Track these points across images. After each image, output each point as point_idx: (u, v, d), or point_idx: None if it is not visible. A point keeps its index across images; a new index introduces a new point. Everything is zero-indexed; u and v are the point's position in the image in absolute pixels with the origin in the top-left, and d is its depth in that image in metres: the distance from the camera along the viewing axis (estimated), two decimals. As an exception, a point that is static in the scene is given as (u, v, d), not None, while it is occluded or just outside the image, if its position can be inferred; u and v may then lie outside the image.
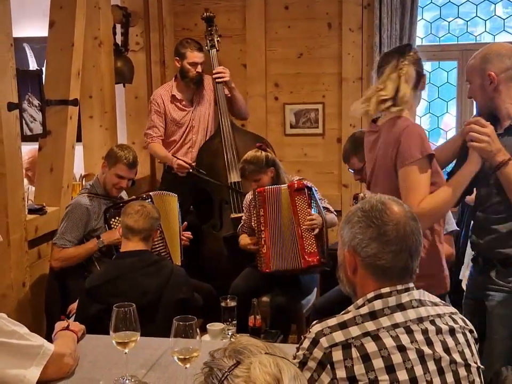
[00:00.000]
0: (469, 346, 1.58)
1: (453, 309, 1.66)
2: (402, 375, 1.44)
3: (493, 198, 2.48)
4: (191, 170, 4.24)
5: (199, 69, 4.36)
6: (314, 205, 3.50)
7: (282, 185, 3.57)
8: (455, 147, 2.60)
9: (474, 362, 1.57)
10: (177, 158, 4.23)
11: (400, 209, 1.61)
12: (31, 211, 3.48)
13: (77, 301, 2.86)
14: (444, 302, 1.67)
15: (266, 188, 3.57)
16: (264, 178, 3.62)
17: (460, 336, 1.57)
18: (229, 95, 4.41)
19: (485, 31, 4.70)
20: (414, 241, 1.59)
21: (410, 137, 2.37)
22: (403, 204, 1.65)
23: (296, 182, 3.57)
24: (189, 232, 3.81)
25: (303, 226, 3.46)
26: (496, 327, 2.47)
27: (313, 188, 3.54)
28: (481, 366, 1.60)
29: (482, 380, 1.59)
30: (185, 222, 3.79)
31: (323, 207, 3.57)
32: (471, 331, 1.63)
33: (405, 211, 1.61)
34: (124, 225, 2.84)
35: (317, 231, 3.45)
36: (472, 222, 2.71)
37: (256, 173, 3.61)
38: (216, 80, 4.37)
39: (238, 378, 1.03)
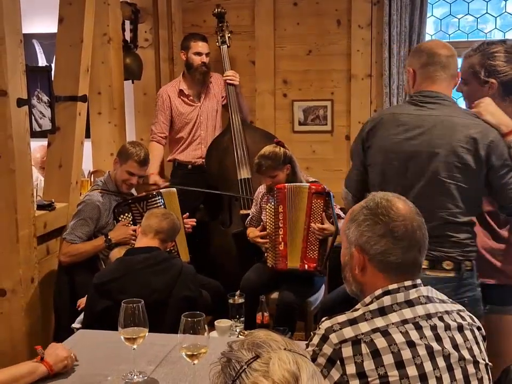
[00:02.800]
0: (477, 343, 1.58)
1: (460, 306, 1.66)
2: (411, 371, 1.44)
3: None
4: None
5: (204, 59, 4.38)
6: (329, 212, 3.48)
7: (303, 184, 3.56)
8: None
9: (483, 359, 1.57)
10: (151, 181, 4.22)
11: (405, 204, 1.62)
12: (39, 207, 3.49)
13: (86, 296, 2.87)
14: (451, 300, 1.67)
15: (286, 184, 3.55)
16: (280, 175, 3.61)
17: (468, 333, 1.57)
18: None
19: (495, 28, 4.67)
20: (421, 236, 1.59)
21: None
22: (406, 200, 1.65)
23: (317, 185, 3.54)
24: (194, 219, 3.81)
25: (312, 230, 3.46)
26: None
27: (331, 194, 3.51)
28: (490, 364, 1.59)
29: (491, 377, 1.59)
30: (187, 213, 3.80)
31: (336, 214, 3.51)
32: (478, 328, 1.63)
33: (409, 207, 1.62)
34: (146, 223, 2.86)
35: (321, 237, 3.46)
36: None
37: (273, 169, 3.59)
38: (226, 81, 4.40)
39: (256, 372, 1.02)
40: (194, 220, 3.84)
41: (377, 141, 2.42)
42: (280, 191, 3.55)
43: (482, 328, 1.65)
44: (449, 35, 4.76)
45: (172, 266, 2.77)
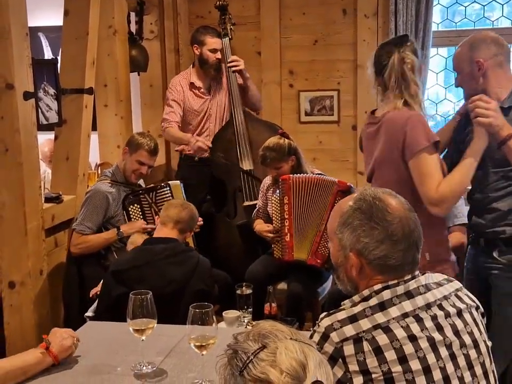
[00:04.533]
0: (477, 324, 1.59)
1: (458, 285, 1.66)
2: (415, 365, 1.44)
3: (490, 177, 2.52)
4: (208, 153, 4.20)
5: (218, 55, 4.35)
6: None
7: (327, 178, 3.52)
8: (451, 131, 2.70)
9: (483, 341, 1.58)
10: (197, 140, 4.16)
11: (397, 202, 1.59)
12: (47, 200, 3.51)
13: (100, 283, 2.88)
14: (447, 278, 1.66)
15: (291, 175, 3.54)
16: (285, 167, 3.61)
17: (467, 317, 1.58)
18: (243, 85, 4.39)
19: (502, 15, 4.63)
20: (417, 233, 1.58)
21: (415, 126, 2.42)
22: (397, 195, 1.63)
23: (343, 182, 3.48)
24: (200, 218, 3.82)
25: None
26: (505, 305, 2.52)
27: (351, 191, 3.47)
28: (489, 343, 1.60)
29: (491, 358, 1.60)
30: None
31: None
32: (477, 307, 1.64)
33: (402, 203, 1.60)
34: (164, 214, 2.87)
35: None
36: (470, 205, 2.73)
37: (278, 160, 3.58)
38: (231, 69, 4.35)
39: (263, 362, 1.03)
40: (201, 219, 3.83)
41: None
42: (285, 182, 3.54)
43: (480, 306, 1.65)
44: (456, 23, 4.73)
45: (189, 258, 2.79)
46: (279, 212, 3.60)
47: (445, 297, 1.58)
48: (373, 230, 1.55)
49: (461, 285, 1.67)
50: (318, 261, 3.49)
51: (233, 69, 4.32)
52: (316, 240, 3.49)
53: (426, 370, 1.45)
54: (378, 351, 1.44)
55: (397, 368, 1.43)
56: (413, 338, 1.47)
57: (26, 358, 1.95)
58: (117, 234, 3.48)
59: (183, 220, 2.87)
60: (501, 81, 2.52)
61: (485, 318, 1.67)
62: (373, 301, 1.51)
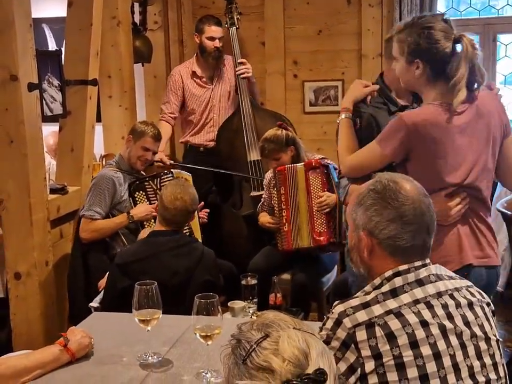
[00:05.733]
0: (488, 319, 1.59)
1: (469, 282, 1.66)
2: (425, 350, 1.45)
3: None
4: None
5: (217, 43, 4.36)
6: (331, 183, 3.48)
7: (298, 164, 3.57)
8: None
9: (494, 335, 1.58)
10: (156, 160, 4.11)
11: (412, 186, 1.60)
12: (52, 191, 3.52)
13: (106, 276, 2.89)
14: (459, 276, 1.67)
15: (286, 166, 3.56)
16: (284, 157, 3.62)
17: (478, 310, 1.58)
18: (248, 87, 4.42)
19: (507, 4, 4.62)
20: (430, 217, 1.59)
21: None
22: (413, 181, 1.64)
23: (313, 160, 3.56)
24: (207, 210, 3.82)
25: (314, 207, 3.47)
26: None
27: (331, 166, 3.51)
28: (500, 339, 1.60)
29: (502, 353, 1.60)
30: (202, 202, 3.80)
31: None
32: (488, 304, 1.64)
33: (417, 188, 1.61)
34: (161, 211, 2.85)
35: (327, 210, 3.45)
36: None
37: (276, 151, 3.60)
38: (240, 76, 4.37)
39: (266, 351, 1.03)
40: (207, 210, 3.83)
41: None
42: (280, 173, 3.57)
43: (491, 303, 1.65)
44: (461, 12, 4.71)
45: (194, 250, 2.79)
46: (277, 203, 3.62)
47: (456, 289, 1.59)
48: (384, 210, 1.56)
49: (472, 284, 1.66)
50: (323, 238, 3.49)
51: (242, 76, 4.37)
52: (310, 223, 3.50)
53: (437, 356, 1.46)
54: (390, 335, 1.45)
55: (408, 353, 1.44)
56: (424, 324, 1.48)
57: (44, 354, 1.96)
58: (128, 218, 3.48)
59: (180, 222, 2.84)
60: None
61: (495, 316, 1.66)
62: (385, 288, 1.53)
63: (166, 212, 2.79)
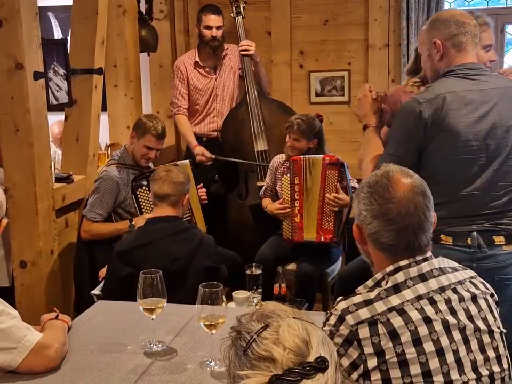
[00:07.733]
0: (491, 311, 1.58)
1: (472, 273, 1.65)
2: (428, 347, 1.45)
3: None
4: (210, 162, 4.26)
5: (214, 32, 4.33)
6: (344, 183, 3.48)
7: (317, 156, 3.55)
8: None
9: (497, 327, 1.58)
10: (202, 153, 4.21)
11: (408, 184, 1.56)
12: (58, 180, 3.52)
13: (106, 265, 2.89)
14: (462, 266, 1.66)
15: (302, 156, 3.55)
16: (303, 144, 3.61)
17: (482, 302, 1.57)
18: (253, 69, 4.38)
19: (516, -6, 4.58)
20: (417, 218, 1.55)
21: None
22: (412, 177, 1.60)
23: (331, 156, 3.54)
24: (204, 189, 3.80)
25: (327, 201, 3.47)
26: None
27: (345, 165, 3.50)
28: (504, 330, 1.60)
29: (505, 344, 1.59)
30: (201, 183, 3.79)
31: (352, 187, 3.49)
32: (491, 295, 1.63)
33: (412, 185, 1.57)
34: (152, 191, 2.86)
35: (336, 208, 3.45)
36: None
37: (302, 134, 3.60)
38: (241, 53, 4.35)
39: (267, 340, 1.03)
40: (204, 190, 3.82)
41: (448, 124, 2.18)
42: (296, 162, 3.55)
43: (495, 294, 1.65)
44: (469, 2, 4.68)
45: (192, 236, 2.79)
46: (289, 192, 3.60)
47: (460, 282, 1.58)
48: (371, 205, 1.57)
49: (476, 274, 1.66)
50: (327, 236, 3.49)
51: (243, 53, 4.33)
52: (318, 217, 3.50)
53: (440, 352, 1.46)
54: (393, 333, 1.45)
55: (411, 350, 1.44)
56: (427, 320, 1.48)
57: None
58: (129, 227, 3.45)
59: (168, 194, 2.79)
60: (455, 64, 2.28)
61: (498, 307, 1.65)
62: (388, 284, 1.52)
63: (156, 186, 2.79)
